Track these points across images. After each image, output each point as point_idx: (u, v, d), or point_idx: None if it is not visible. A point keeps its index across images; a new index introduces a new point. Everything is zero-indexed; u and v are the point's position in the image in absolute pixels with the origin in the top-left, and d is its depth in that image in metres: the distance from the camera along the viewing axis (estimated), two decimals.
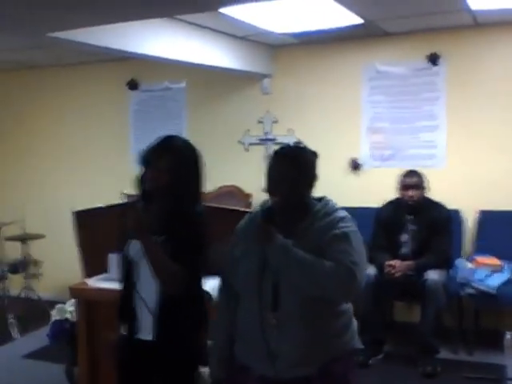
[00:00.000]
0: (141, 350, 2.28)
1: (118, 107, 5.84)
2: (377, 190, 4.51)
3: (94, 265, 3.17)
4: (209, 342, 2.30)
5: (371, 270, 4.09)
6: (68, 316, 3.47)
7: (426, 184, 4.22)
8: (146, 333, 2.25)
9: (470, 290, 4.14)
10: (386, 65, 4.91)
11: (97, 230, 3.26)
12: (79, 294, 3.06)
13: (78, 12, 2.71)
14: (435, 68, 4.75)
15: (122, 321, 2.34)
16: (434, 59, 4.74)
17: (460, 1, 3.70)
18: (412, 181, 4.18)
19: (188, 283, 2.23)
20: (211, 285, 2.73)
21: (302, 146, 2.17)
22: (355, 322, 2.12)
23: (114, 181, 4.80)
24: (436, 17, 4.29)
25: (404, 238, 4.23)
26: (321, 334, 1.97)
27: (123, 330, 2.33)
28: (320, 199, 2.10)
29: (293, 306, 1.95)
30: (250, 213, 2.21)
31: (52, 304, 4.22)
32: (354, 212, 5.16)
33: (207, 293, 2.65)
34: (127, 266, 2.32)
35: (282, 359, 1.94)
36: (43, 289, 5.51)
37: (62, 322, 3.47)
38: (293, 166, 2.03)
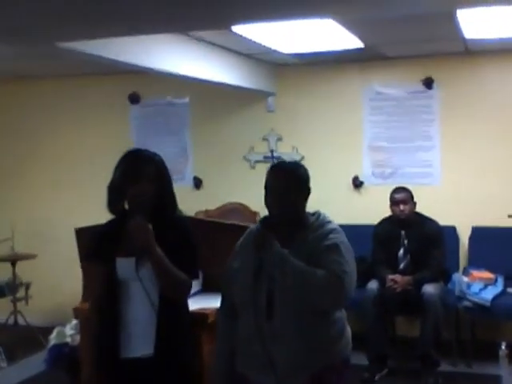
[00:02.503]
0: (136, 369, 2.21)
1: (119, 121, 5.66)
2: (378, 207, 4.65)
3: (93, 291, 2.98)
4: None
5: (374, 285, 4.25)
6: (68, 340, 3.29)
7: (414, 199, 4.39)
8: (143, 350, 2.21)
9: (466, 303, 4.29)
10: (385, 87, 5.10)
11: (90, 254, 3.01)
12: (82, 314, 2.76)
13: (91, 23, 2.65)
14: (430, 91, 4.95)
15: (111, 342, 2.22)
16: (428, 83, 4.94)
17: (455, 29, 3.88)
18: (400, 196, 4.36)
19: (189, 290, 2.28)
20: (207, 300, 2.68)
21: (296, 161, 2.30)
22: (349, 331, 2.19)
23: None
24: (432, 44, 4.48)
25: (400, 253, 4.39)
26: (315, 342, 2.03)
27: (110, 352, 2.22)
28: (313, 213, 2.20)
29: (287, 314, 2.01)
30: (251, 228, 2.26)
31: (42, 330, 4.04)
32: (357, 229, 5.35)
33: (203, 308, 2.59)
34: (114, 284, 2.24)
35: (279, 369, 2.00)
36: (32, 313, 5.14)
37: (61, 346, 3.29)
38: (291, 181, 2.13)
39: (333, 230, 2.12)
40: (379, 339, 4.20)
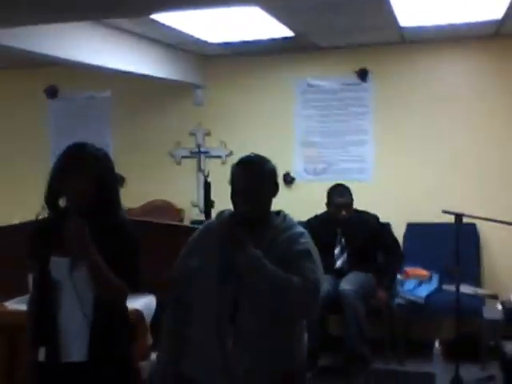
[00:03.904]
0: (69, 374, 2.13)
1: (35, 117, 5.55)
2: (310, 203, 4.54)
3: (10, 286, 2.97)
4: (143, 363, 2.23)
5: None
6: None
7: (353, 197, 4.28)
8: (77, 354, 2.12)
9: (400, 301, 4.24)
10: (317, 79, 4.99)
11: (13, 249, 3.02)
12: None
13: None
14: (364, 84, 4.88)
15: (43, 345, 2.15)
16: (362, 75, 4.87)
17: (389, 16, 3.81)
18: (344, 200, 4.22)
19: (126, 296, 2.17)
20: (143, 302, 2.64)
21: (263, 156, 2.15)
22: (306, 338, 2.15)
23: (33, 196, 4.55)
24: (365, 33, 4.41)
25: (336, 251, 4.27)
26: (277, 348, 1.97)
27: (42, 356, 2.15)
28: (277, 212, 2.11)
29: (251, 319, 1.94)
30: (206, 224, 2.20)
31: None
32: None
33: (138, 311, 2.56)
34: (46, 285, 2.15)
35: (235, 373, 1.93)
36: None
37: None
38: (260, 177, 2.04)
39: (302, 234, 2.06)
40: (311, 338, 4.04)
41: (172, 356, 2.09)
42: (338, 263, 4.26)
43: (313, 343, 4.03)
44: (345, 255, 4.26)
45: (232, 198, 2.04)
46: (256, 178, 2.03)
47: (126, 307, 2.25)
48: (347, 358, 4.08)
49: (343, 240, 4.26)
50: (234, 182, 2.05)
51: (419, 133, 4.79)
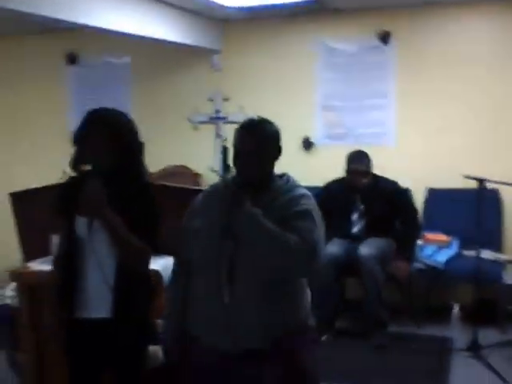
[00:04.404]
0: (93, 329, 2.22)
1: (55, 82, 5.56)
2: (329, 168, 4.49)
3: (34, 248, 3.02)
4: (159, 321, 2.28)
5: (333, 249, 4.11)
6: (8, 301, 3.34)
7: (372, 164, 4.22)
8: (101, 311, 2.19)
9: (419, 266, 4.23)
10: (338, 42, 4.89)
11: (36, 212, 3.10)
12: (20, 277, 2.91)
13: None
14: (386, 47, 4.77)
15: (69, 302, 2.24)
16: (384, 37, 4.76)
17: None
18: (363, 168, 4.16)
19: (148, 259, 2.21)
20: (161, 264, 2.68)
21: (267, 119, 2.12)
22: (309, 295, 2.13)
23: (53, 160, 4.62)
24: None
25: (354, 217, 4.25)
26: (277, 307, 1.97)
27: (69, 312, 2.24)
28: (281, 175, 2.10)
29: (250, 278, 1.94)
30: (211, 186, 2.18)
31: None
32: (310, 190, 5.15)
33: (157, 271, 2.60)
34: (73, 244, 2.21)
35: (236, 331, 1.94)
36: None
37: (2, 307, 3.36)
38: (262, 140, 2.01)
39: (304, 196, 2.04)
40: (329, 301, 4.12)
41: (176, 316, 2.12)
42: (355, 229, 4.25)
43: (329, 307, 4.13)
44: (362, 222, 4.24)
45: (234, 161, 2.04)
46: (258, 140, 2.00)
47: (147, 269, 2.29)
48: (365, 322, 4.13)
49: (361, 207, 4.23)
50: (236, 144, 2.04)
51: (441, 96, 4.69)
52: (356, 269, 4.10)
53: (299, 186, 2.07)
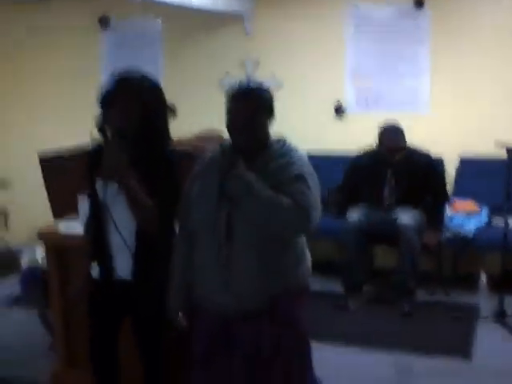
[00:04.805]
0: (116, 290, 2.29)
1: (88, 44, 5.60)
2: (361, 135, 4.48)
3: (63, 209, 3.09)
4: None
5: (356, 216, 4.14)
6: (39, 262, 3.43)
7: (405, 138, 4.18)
8: (123, 273, 2.25)
9: (448, 234, 4.23)
10: (371, 7, 4.81)
11: (65, 173, 3.17)
12: (48, 238, 2.99)
13: None
14: (420, 12, 4.68)
15: (95, 262, 2.31)
16: (419, 2, 4.67)
17: None
18: (396, 144, 4.11)
19: (165, 224, 2.23)
20: None
21: (260, 84, 2.13)
22: (309, 258, 2.16)
23: (84, 124, 4.70)
24: None
25: (385, 190, 4.23)
26: (272, 267, 2.01)
27: (94, 273, 2.32)
28: (278, 140, 2.11)
29: (245, 238, 1.98)
30: (210, 154, 2.20)
31: (22, 253, 4.22)
32: (337, 158, 5.19)
33: None
34: (97, 207, 2.27)
35: (236, 291, 1.99)
36: (12, 237, 5.36)
37: (33, 268, 3.45)
38: (256, 105, 2.02)
39: (298, 159, 2.06)
40: (357, 269, 4.17)
41: (179, 284, 2.16)
42: (386, 202, 4.23)
43: (358, 274, 4.18)
44: (393, 195, 4.21)
45: (228, 128, 2.04)
46: (251, 106, 2.00)
47: (168, 235, 2.30)
48: (393, 289, 4.16)
49: (393, 181, 4.20)
50: (229, 111, 2.03)
51: (477, 64, 4.60)
52: (389, 237, 4.13)
53: (295, 150, 2.08)
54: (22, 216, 5.42)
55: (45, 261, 3.23)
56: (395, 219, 4.07)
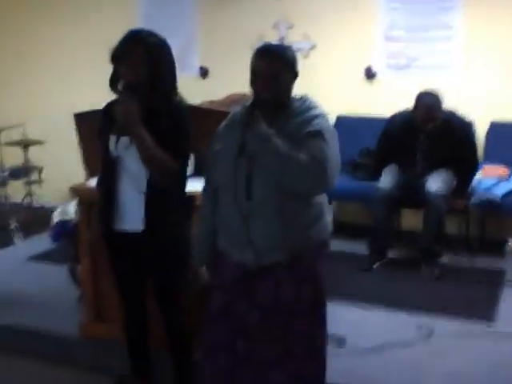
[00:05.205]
0: (130, 242, 2.38)
1: (124, 6, 5.58)
2: (391, 99, 4.47)
3: (95, 166, 3.20)
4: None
5: (386, 183, 4.16)
6: (70, 217, 3.49)
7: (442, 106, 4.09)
8: (135, 225, 2.34)
9: (477, 199, 4.22)
10: None
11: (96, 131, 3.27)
12: (80, 193, 3.07)
13: None
14: None
15: (107, 215, 2.39)
16: None
17: None
18: (434, 113, 4.02)
19: (177, 175, 2.34)
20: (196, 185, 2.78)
21: (282, 43, 2.17)
22: (329, 215, 2.20)
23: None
24: None
25: (418, 155, 4.20)
26: (292, 223, 2.06)
27: (107, 225, 2.41)
28: (300, 98, 2.14)
29: (265, 195, 2.03)
30: (232, 112, 2.23)
31: (54, 209, 4.26)
32: (367, 121, 5.21)
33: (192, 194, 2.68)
34: (110, 162, 2.36)
35: (257, 246, 2.05)
36: (44, 195, 5.48)
37: (64, 222, 3.51)
38: (280, 63, 2.05)
39: (318, 116, 2.07)
40: (383, 233, 4.21)
41: (206, 233, 2.24)
42: (418, 167, 4.23)
43: (383, 236, 4.23)
44: (425, 160, 4.20)
45: (251, 85, 2.08)
46: (275, 64, 2.03)
47: (180, 185, 2.42)
48: (419, 253, 4.20)
49: (425, 146, 4.16)
50: (253, 67, 2.07)
51: (511, 29, 4.48)
52: (416, 202, 4.16)
53: (315, 107, 2.10)
54: (56, 174, 5.53)
55: (76, 215, 3.36)
56: (424, 185, 4.09)
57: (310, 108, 2.09)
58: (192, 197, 2.59)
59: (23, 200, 5.45)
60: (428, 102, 4.03)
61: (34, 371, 2.98)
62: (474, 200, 4.23)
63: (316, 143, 2.00)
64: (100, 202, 2.46)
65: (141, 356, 2.72)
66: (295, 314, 2.11)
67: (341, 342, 3.05)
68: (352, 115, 4.83)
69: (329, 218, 2.20)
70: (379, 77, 4.94)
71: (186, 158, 2.40)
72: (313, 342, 2.19)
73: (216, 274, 2.23)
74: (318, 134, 2.02)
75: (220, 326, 2.19)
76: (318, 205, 2.13)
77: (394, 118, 4.31)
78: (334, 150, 2.05)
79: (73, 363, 3.01)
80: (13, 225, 4.97)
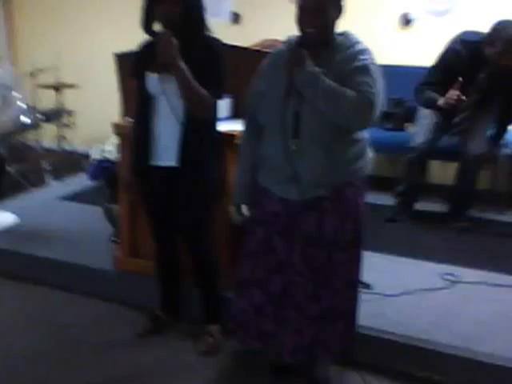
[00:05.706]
0: (164, 178, 2.45)
1: None
2: (429, 47, 4.34)
3: (134, 107, 3.27)
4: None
5: (421, 137, 4.01)
6: (107, 155, 3.49)
7: None
8: (169, 160, 2.41)
9: (507, 151, 4.17)
10: None
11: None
12: (122, 130, 3.01)
13: None
14: None
15: (142, 150, 2.45)
16: None
17: None
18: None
19: (213, 109, 2.41)
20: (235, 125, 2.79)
21: None
22: (370, 153, 2.24)
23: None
24: None
25: (470, 96, 3.72)
26: (337, 159, 2.10)
27: (141, 159, 2.46)
28: (342, 33, 2.14)
29: (312, 132, 2.06)
30: (275, 50, 2.24)
31: (84, 155, 4.40)
32: (402, 70, 5.06)
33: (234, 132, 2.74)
34: (146, 99, 2.41)
35: (302, 181, 2.10)
36: (76, 140, 5.54)
37: (102, 161, 3.50)
38: None
39: (362, 51, 2.08)
40: (410, 183, 4.17)
41: (247, 171, 2.28)
42: (462, 114, 3.89)
43: (411, 190, 4.16)
44: (473, 107, 3.82)
45: (297, 19, 2.08)
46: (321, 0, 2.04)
47: (214, 121, 2.47)
48: (448, 205, 4.18)
49: (480, 83, 3.71)
50: (298, 3, 2.08)
51: None
52: (450, 156, 4.09)
53: (358, 42, 2.11)
54: (89, 118, 5.60)
55: (113, 153, 3.39)
56: (464, 141, 3.95)
57: (353, 43, 2.10)
58: (231, 135, 2.66)
59: (57, 143, 5.47)
60: (510, 34, 3.46)
61: (67, 301, 3.09)
62: (504, 152, 4.15)
63: (363, 78, 2.02)
64: (135, 140, 2.51)
65: (170, 291, 2.82)
66: (336, 247, 2.17)
67: (367, 286, 3.10)
68: (386, 64, 4.71)
69: (370, 154, 2.25)
70: (417, 23, 4.80)
71: (221, 92, 2.44)
72: (350, 275, 2.25)
73: (257, 210, 2.27)
74: (365, 69, 2.03)
75: (258, 261, 2.25)
76: (361, 142, 2.18)
77: (458, 45, 3.69)
78: (379, 86, 2.06)
79: (105, 296, 3.11)
80: (45, 166, 5.05)
